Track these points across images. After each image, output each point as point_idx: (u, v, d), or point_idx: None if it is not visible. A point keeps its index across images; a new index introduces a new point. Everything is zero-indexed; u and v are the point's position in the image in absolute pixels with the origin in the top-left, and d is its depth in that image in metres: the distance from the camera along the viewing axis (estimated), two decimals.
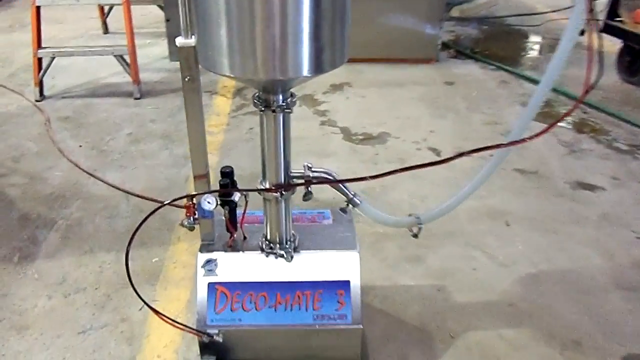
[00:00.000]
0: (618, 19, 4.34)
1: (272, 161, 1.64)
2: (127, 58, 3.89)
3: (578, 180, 3.03)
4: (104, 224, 2.58)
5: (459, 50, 4.87)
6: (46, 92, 4.05)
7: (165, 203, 1.67)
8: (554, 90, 4.13)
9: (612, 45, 4.46)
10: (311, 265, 1.77)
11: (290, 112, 1.57)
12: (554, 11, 5.91)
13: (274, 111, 1.54)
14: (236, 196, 1.72)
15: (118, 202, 2.75)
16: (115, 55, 3.89)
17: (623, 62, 4.35)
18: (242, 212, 1.78)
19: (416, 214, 1.87)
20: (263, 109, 1.54)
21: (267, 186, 1.68)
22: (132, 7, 3.87)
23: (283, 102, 1.54)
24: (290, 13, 1.30)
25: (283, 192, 1.67)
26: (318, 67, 1.40)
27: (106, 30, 5.65)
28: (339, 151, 3.27)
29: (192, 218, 1.75)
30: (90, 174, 2.97)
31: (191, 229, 1.76)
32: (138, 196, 2.77)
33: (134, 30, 3.86)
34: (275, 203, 1.70)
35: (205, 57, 1.43)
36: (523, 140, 1.89)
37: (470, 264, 2.39)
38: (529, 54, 5.03)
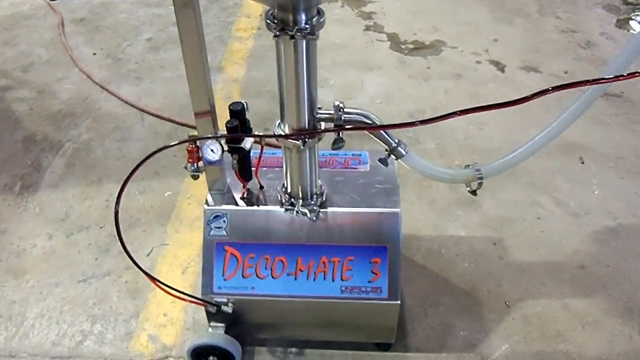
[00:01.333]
0: None
1: (292, 101, 1.22)
2: None
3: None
4: (114, 148, 2.26)
5: None
6: None
7: (158, 150, 1.30)
8: None
9: None
10: (340, 226, 1.41)
11: (314, 39, 1.12)
12: None
13: (292, 37, 1.10)
14: (248, 142, 1.34)
15: (132, 122, 2.40)
16: None
17: None
18: (258, 155, 1.40)
19: (475, 166, 1.44)
20: (278, 33, 1.10)
21: (287, 131, 1.28)
22: None
23: (306, 23, 1.09)
24: None
25: (306, 140, 1.27)
26: None
27: None
28: (384, 63, 2.76)
29: (195, 164, 1.39)
30: (103, 87, 2.62)
31: (195, 177, 1.41)
32: (154, 115, 2.42)
33: None
34: (296, 152, 1.31)
35: None
36: (632, 74, 1.37)
37: (535, 212, 1.97)
38: None
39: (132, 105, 2.49)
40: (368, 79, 2.61)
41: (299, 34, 1.09)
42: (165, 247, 1.82)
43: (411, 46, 2.88)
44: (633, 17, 3.15)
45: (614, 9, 3.21)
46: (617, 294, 1.68)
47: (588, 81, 1.40)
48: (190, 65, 1.26)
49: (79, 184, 2.08)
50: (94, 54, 2.92)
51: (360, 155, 1.58)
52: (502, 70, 2.67)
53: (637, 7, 3.25)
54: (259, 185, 1.46)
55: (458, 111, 1.33)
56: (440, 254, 1.81)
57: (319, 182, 1.43)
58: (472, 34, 2.97)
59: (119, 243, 1.82)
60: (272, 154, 1.57)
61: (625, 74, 1.34)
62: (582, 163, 2.19)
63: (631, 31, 3.02)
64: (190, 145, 1.37)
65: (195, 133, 1.37)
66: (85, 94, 2.60)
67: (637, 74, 1.31)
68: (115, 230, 1.25)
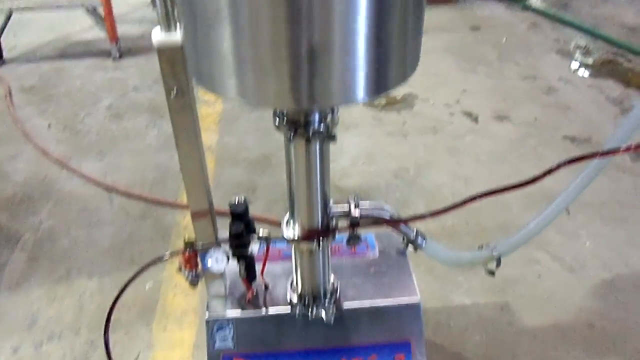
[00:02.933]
0: None
1: (304, 201, 1.08)
2: (101, 10, 3.18)
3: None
4: (82, 235, 2.03)
5: None
6: (6, 55, 3.35)
7: (153, 261, 1.13)
8: (588, 32, 3.50)
9: None
10: (359, 324, 1.26)
11: (333, 141, 0.99)
12: None
13: (308, 140, 0.96)
14: (254, 245, 1.18)
15: (99, 203, 2.18)
16: (86, 9, 3.18)
17: None
18: (264, 257, 1.25)
19: (490, 245, 1.34)
20: (292, 136, 0.96)
21: (298, 232, 1.13)
22: None
23: (320, 122, 0.97)
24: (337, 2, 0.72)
25: (321, 241, 1.12)
26: (379, 86, 0.83)
27: None
28: (360, 121, 2.67)
29: (194, 271, 1.21)
30: (63, 164, 2.38)
31: (194, 285, 1.23)
32: (123, 194, 2.20)
33: None
34: (309, 254, 1.16)
35: (199, 69, 0.84)
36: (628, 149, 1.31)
37: (534, 269, 1.89)
38: None
39: (97, 184, 2.26)
40: (346, 139, 2.50)
41: (315, 136, 0.96)
42: (153, 350, 1.61)
43: (384, 102, 2.81)
44: (577, 60, 3.23)
45: (567, 53, 3.28)
46: (628, 351, 1.61)
47: (597, 154, 1.34)
48: (188, 169, 1.11)
49: (44, 282, 1.84)
50: (49, 126, 2.67)
51: (366, 238, 1.45)
52: (476, 121, 2.64)
53: (585, 50, 3.33)
54: (264, 286, 1.30)
55: (477, 195, 1.24)
56: (450, 327, 1.69)
57: (332, 277, 1.29)
58: (441, 85, 2.94)
59: (98, 350, 1.61)
60: (273, 244, 1.41)
61: (634, 145, 1.29)
62: (568, 213, 2.15)
63: (583, 75, 3.08)
64: (188, 251, 1.19)
65: (188, 224, 1.20)
66: (42, 173, 2.35)
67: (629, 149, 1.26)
68: (95, 334, 1.05)
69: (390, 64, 0.83)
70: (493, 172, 2.32)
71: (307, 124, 0.96)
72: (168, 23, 0.95)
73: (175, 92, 0.98)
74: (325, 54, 0.76)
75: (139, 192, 2.20)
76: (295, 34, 0.74)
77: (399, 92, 2.87)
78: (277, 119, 0.98)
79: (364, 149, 2.45)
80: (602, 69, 3.13)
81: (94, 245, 1.98)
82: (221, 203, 1.27)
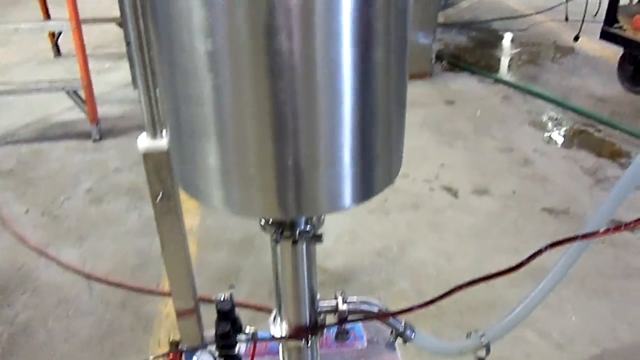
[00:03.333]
0: (617, 25, 3.91)
1: (291, 299, 1.09)
2: (82, 93, 3.25)
3: (613, 218, 2.55)
4: (60, 327, 1.98)
5: (452, 62, 4.37)
6: None
7: None
8: (558, 103, 3.68)
9: (613, 52, 4.05)
10: None
11: (319, 241, 1.01)
12: (537, 13, 5.49)
13: (295, 242, 0.99)
14: (241, 344, 1.17)
15: (78, 292, 2.14)
16: (67, 92, 3.24)
17: (625, 71, 3.93)
18: (250, 354, 1.23)
19: (479, 332, 1.35)
20: (278, 238, 0.99)
21: (286, 330, 1.13)
22: (89, 25, 3.21)
23: (307, 223, 0.99)
24: (322, 114, 0.76)
25: (309, 338, 1.12)
26: (366, 191, 0.86)
27: (58, 52, 4.94)
28: None
29: None
30: (41, 252, 2.35)
31: None
32: (103, 282, 2.17)
33: (88, 53, 3.19)
34: (297, 351, 1.16)
35: (184, 177, 0.87)
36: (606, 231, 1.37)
37: (522, 348, 1.89)
38: (524, 62, 4.56)
39: (76, 272, 2.23)
40: (329, 218, 2.53)
41: (302, 237, 0.98)
42: None
43: None
44: (550, 131, 3.37)
45: (540, 125, 3.43)
46: None
47: (577, 237, 1.39)
48: (172, 264, 1.11)
49: None
50: (27, 211, 2.66)
51: (354, 328, 1.45)
52: (456, 196, 2.70)
53: (557, 121, 3.49)
54: None
55: (463, 284, 1.27)
56: None
57: None
58: (420, 160, 3.03)
59: None
60: (260, 338, 1.40)
61: (612, 228, 1.34)
62: None
63: (557, 146, 3.21)
64: (173, 351, 1.18)
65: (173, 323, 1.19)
66: (19, 262, 2.32)
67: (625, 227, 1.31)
68: None
69: (376, 171, 0.87)
70: (475, 247, 2.36)
71: (293, 225, 0.99)
72: (154, 129, 0.99)
73: (161, 196, 1.00)
74: (312, 166, 0.79)
75: (120, 279, 2.17)
76: (281, 149, 0.78)
77: None
78: (263, 220, 1.01)
79: (347, 228, 2.48)
80: (574, 140, 3.27)
81: (72, 338, 1.93)
82: (204, 287, 1.26)
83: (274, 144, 0.77)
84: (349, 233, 2.45)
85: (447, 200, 2.67)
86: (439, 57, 4.33)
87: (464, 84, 4.05)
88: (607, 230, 1.35)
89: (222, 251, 2.30)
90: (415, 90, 3.88)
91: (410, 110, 3.98)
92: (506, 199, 2.69)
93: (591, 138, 3.29)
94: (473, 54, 4.65)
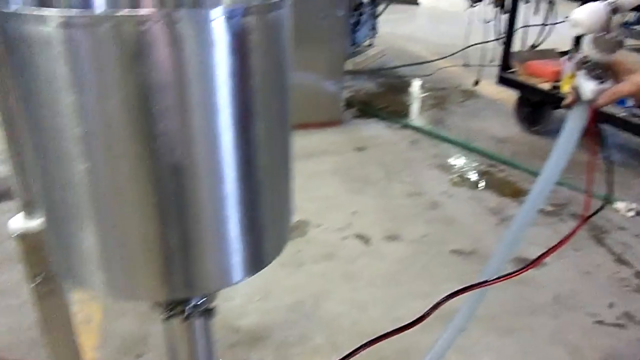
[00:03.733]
0: (511, 70, 4.26)
1: None
2: None
3: (517, 256, 2.71)
4: None
5: (361, 108, 4.54)
6: None
7: None
8: (463, 146, 3.91)
9: (510, 95, 4.39)
10: None
11: (212, 316, 1.00)
12: (440, 58, 5.86)
13: (187, 317, 0.96)
14: None
15: None
16: None
17: (522, 112, 4.27)
18: None
19: None
20: (168, 315, 0.96)
21: None
22: None
23: (201, 300, 0.97)
24: (206, 192, 0.77)
25: None
26: (257, 264, 0.87)
27: None
28: None
29: None
30: None
31: None
32: None
33: None
34: None
35: (62, 262, 0.83)
36: (515, 272, 1.48)
37: None
38: (431, 107, 4.83)
39: None
40: None
41: (196, 312, 0.96)
42: None
43: None
44: (455, 173, 3.56)
45: (446, 168, 3.61)
46: None
47: (474, 285, 1.47)
48: (56, 350, 1.04)
49: None
50: None
51: None
52: (368, 243, 2.76)
53: (462, 164, 3.70)
54: None
55: (368, 342, 1.29)
56: None
57: None
58: (332, 208, 3.08)
59: None
60: None
61: (507, 274, 1.43)
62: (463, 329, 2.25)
63: (464, 187, 3.38)
64: None
65: None
66: None
67: (520, 272, 1.40)
68: None
69: (265, 242, 0.88)
70: (388, 294, 2.41)
71: (185, 301, 0.96)
72: (29, 209, 0.95)
73: (38, 279, 0.95)
74: (198, 244, 0.79)
75: (14, 356, 2.00)
76: (165, 230, 0.77)
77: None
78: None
79: (260, 284, 2.45)
80: (478, 181, 3.46)
81: None
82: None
83: (156, 226, 0.76)
84: (261, 290, 2.42)
85: (359, 249, 2.72)
86: (349, 104, 4.49)
87: (374, 130, 4.21)
88: (498, 278, 1.44)
89: (129, 317, 2.19)
90: (326, 138, 3.99)
91: (322, 158, 4.07)
92: (416, 244, 2.78)
93: (494, 178, 3.51)
94: (382, 100, 4.86)
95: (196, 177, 0.76)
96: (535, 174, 3.61)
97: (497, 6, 4.67)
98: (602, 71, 0.97)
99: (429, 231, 2.89)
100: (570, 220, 3.01)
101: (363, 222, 2.95)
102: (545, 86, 3.93)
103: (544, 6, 4.72)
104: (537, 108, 4.10)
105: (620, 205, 3.11)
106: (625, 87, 0.97)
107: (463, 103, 4.90)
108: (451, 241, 2.80)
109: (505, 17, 4.35)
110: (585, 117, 1.05)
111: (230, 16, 0.69)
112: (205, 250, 0.80)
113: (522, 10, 4.40)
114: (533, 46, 4.74)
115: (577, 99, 1.03)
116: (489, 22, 4.88)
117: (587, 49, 0.96)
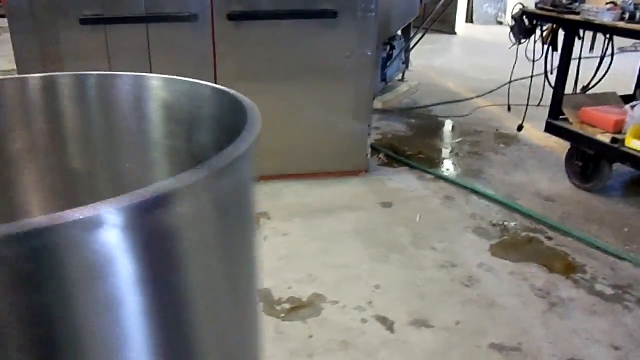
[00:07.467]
0: (562, 116, 3.97)
1: None
2: None
3: (573, 356, 2.39)
4: None
5: (389, 154, 4.28)
6: None
7: None
8: (504, 205, 3.61)
9: (558, 141, 4.09)
10: None
11: None
12: (478, 96, 5.61)
13: None
14: None
15: None
16: None
17: (573, 166, 3.95)
18: None
19: None
20: None
21: None
22: None
23: None
24: None
25: None
26: None
27: None
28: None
29: None
30: None
31: None
32: None
33: None
34: None
35: None
36: None
37: None
38: (466, 154, 4.55)
39: None
40: None
41: None
42: None
43: (287, 306, 2.60)
44: (495, 240, 3.26)
45: (484, 232, 3.31)
46: None
47: None
48: None
49: None
50: None
51: None
52: (391, 330, 2.47)
53: (502, 227, 3.40)
54: None
55: None
56: None
57: None
58: (351, 280, 2.81)
59: None
60: None
61: None
62: None
63: (505, 259, 3.08)
64: None
65: None
66: None
67: None
68: None
69: None
70: None
71: None
72: None
73: None
74: None
75: None
76: None
77: (305, 292, 2.69)
78: None
79: None
80: (521, 250, 3.16)
81: None
82: None
83: None
84: None
85: (381, 336, 2.43)
86: (376, 149, 4.24)
87: (403, 181, 3.94)
88: None
89: None
90: (348, 190, 3.74)
91: (342, 215, 3.76)
92: (449, 332, 2.48)
93: (541, 247, 3.20)
94: (413, 145, 4.61)
95: None
96: (590, 243, 3.30)
97: (545, 43, 4.40)
98: None
99: (464, 317, 2.59)
100: (637, 307, 2.68)
101: (386, 299, 2.67)
102: (604, 138, 3.64)
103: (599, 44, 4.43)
104: (593, 162, 3.79)
105: None
106: None
107: (504, 150, 4.61)
108: (490, 331, 2.49)
109: (555, 54, 4.08)
110: None
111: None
112: None
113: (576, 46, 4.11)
114: (585, 88, 4.43)
115: None
116: (536, 60, 4.61)
117: None
